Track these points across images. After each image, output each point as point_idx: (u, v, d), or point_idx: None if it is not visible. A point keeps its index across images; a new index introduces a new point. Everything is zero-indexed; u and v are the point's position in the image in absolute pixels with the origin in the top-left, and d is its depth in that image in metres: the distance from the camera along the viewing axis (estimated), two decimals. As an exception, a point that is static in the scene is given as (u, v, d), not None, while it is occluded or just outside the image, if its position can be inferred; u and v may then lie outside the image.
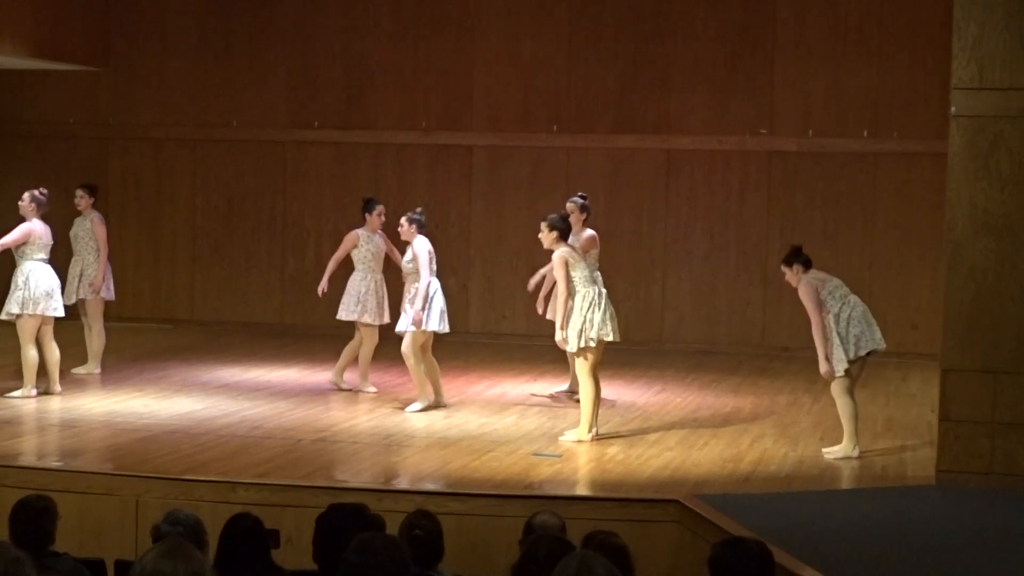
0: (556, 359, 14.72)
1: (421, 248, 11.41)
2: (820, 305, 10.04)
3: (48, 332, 11.85)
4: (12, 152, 17.46)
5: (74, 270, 13.08)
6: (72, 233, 13.25)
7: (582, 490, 8.96)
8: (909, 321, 15.24)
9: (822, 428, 11.24)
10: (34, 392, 11.69)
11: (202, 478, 9.19)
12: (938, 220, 12.31)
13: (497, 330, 15.59)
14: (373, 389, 12.34)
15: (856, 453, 10.08)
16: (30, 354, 11.61)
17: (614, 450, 10.24)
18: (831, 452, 10.13)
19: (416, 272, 11.37)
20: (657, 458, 10.05)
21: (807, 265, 10.23)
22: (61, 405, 11.59)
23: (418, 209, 11.77)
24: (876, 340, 10.05)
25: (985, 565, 7.81)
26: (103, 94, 17.37)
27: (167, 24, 17.15)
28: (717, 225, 15.66)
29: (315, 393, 12.53)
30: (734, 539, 5.45)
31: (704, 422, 11.32)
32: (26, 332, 11.61)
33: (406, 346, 11.32)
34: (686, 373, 12.84)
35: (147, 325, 16.25)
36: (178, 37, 17.15)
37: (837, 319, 9.99)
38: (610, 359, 14.29)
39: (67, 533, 6.32)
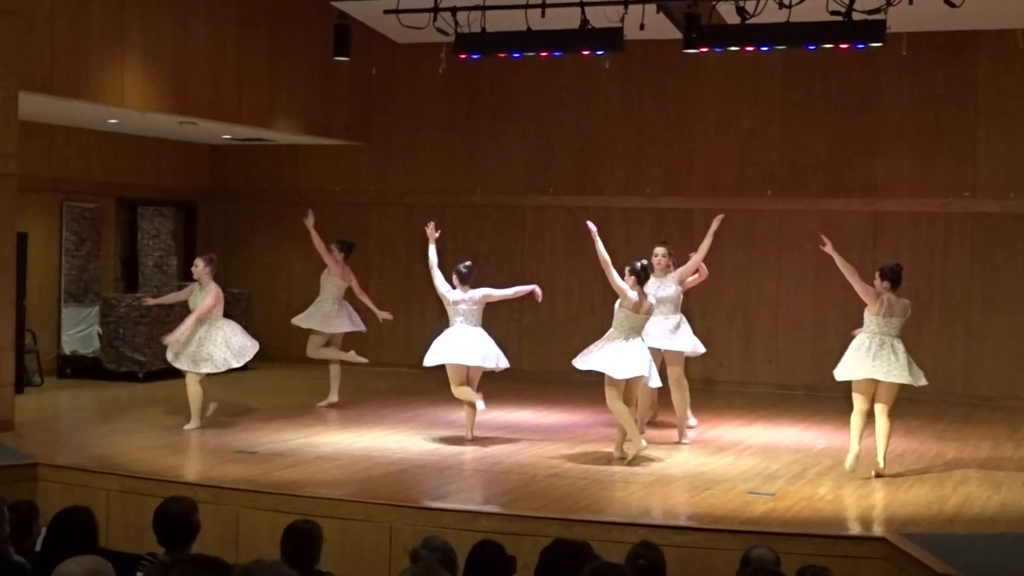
0: (771, 404, 14.50)
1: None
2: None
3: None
4: (287, 216, 18.06)
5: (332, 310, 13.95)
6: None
7: (795, 527, 8.74)
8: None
9: (1025, 473, 10.82)
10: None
11: (448, 507, 9.29)
12: None
13: (715, 377, 15.42)
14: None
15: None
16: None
17: (824, 490, 10.01)
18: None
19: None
20: (866, 499, 9.79)
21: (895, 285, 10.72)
22: (326, 439, 11.87)
23: None
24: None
25: None
26: (364, 165, 17.87)
27: (419, 103, 17.57)
28: (922, 282, 15.21)
29: (549, 432, 12.57)
30: (941, 577, 5.26)
31: (910, 465, 10.98)
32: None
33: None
34: (892, 420, 12.47)
35: (400, 369, 16.56)
36: (429, 114, 17.55)
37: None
38: (822, 407, 14.01)
39: (330, 554, 6.44)
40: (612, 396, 10.79)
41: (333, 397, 13.83)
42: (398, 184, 17.70)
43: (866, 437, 10.55)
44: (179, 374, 15.93)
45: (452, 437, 11.98)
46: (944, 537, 8.51)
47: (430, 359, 11.89)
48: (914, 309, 11.06)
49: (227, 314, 12.64)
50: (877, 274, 10.78)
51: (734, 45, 12.16)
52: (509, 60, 14.01)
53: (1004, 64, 15.17)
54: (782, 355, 15.96)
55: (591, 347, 11.04)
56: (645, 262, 11.11)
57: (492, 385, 15.42)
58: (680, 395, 12.10)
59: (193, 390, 12.25)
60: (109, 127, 16.00)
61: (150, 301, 13.99)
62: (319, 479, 10.07)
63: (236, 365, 12.38)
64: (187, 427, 12.16)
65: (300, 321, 13.95)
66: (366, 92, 17.48)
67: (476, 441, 11.86)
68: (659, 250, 12.32)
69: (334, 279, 13.98)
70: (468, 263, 12.12)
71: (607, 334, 10.93)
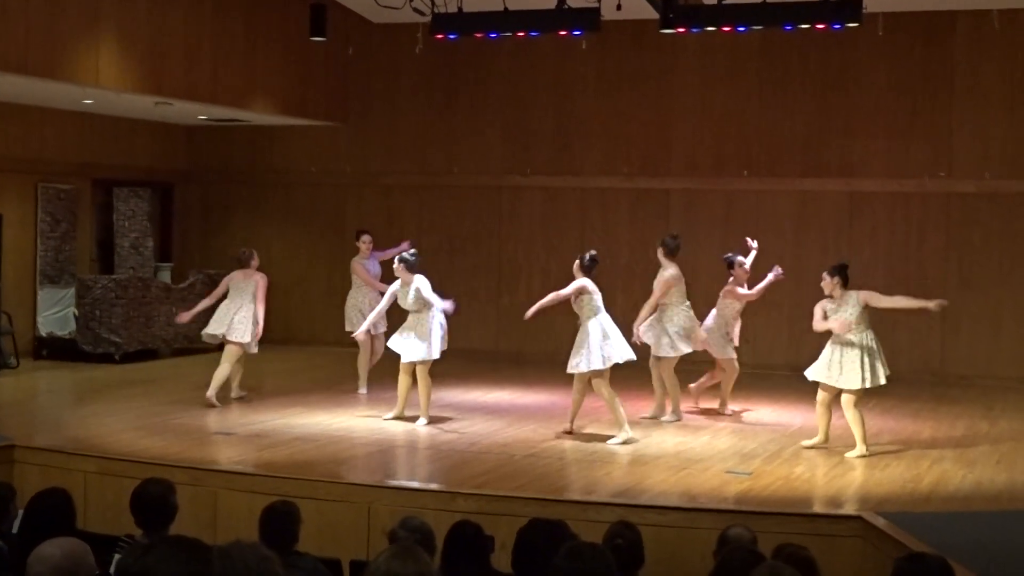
0: (748, 384, 14.53)
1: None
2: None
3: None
4: (264, 197, 18.05)
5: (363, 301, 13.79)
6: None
7: (772, 506, 8.79)
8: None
9: (999, 452, 10.88)
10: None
11: (426, 487, 9.30)
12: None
13: (692, 357, 15.43)
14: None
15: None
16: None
17: (800, 469, 10.06)
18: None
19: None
20: (841, 478, 9.84)
21: (845, 282, 10.79)
22: (304, 421, 11.86)
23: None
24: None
25: None
26: (341, 146, 17.82)
27: (397, 83, 17.52)
28: (897, 262, 15.31)
29: (527, 413, 12.59)
30: (916, 554, 5.29)
31: (885, 445, 11.05)
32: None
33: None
34: (868, 399, 12.51)
35: (378, 350, 16.52)
36: (406, 95, 17.51)
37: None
38: (798, 387, 14.05)
39: (308, 535, 6.43)
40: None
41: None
42: (375, 165, 17.66)
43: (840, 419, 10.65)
44: (155, 356, 15.98)
45: (432, 418, 11.96)
46: (919, 515, 8.57)
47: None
48: (890, 289, 11.14)
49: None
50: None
51: (711, 25, 12.14)
52: (486, 40, 13.94)
53: (980, 44, 15.22)
54: (759, 335, 16.00)
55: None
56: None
57: (470, 365, 15.44)
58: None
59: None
60: (85, 108, 15.91)
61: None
62: (297, 460, 10.06)
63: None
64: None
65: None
66: (343, 72, 17.43)
67: (445, 421, 11.91)
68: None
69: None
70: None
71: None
